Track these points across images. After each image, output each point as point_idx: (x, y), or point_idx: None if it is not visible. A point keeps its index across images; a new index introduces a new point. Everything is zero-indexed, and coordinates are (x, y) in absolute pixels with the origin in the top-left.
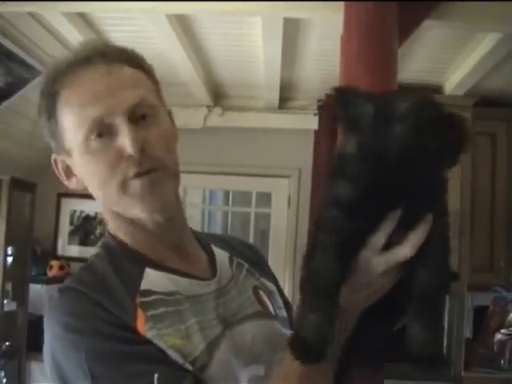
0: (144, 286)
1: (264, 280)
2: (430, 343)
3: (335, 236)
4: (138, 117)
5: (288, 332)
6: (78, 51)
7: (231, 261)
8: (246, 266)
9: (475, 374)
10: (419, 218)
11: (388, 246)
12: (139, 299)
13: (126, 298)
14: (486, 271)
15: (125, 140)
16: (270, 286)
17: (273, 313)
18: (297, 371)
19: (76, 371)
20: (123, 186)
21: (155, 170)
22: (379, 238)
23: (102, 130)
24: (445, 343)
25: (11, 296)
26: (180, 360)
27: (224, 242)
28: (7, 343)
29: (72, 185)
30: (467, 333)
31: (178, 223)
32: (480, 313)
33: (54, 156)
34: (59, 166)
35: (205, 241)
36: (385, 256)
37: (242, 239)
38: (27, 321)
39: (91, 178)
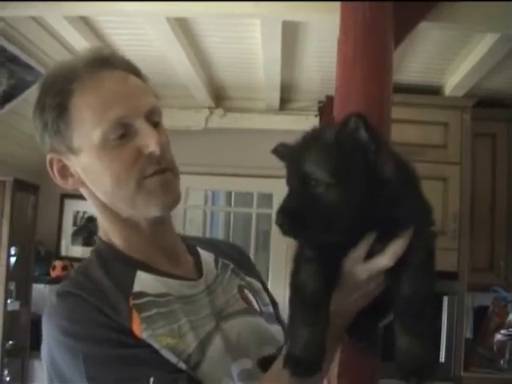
0: (136, 288)
1: (250, 279)
2: (415, 354)
3: (318, 250)
4: (152, 122)
5: (274, 327)
6: (88, 55)
7: (216, 261)
8: (232, 266)
9: (475, 374)
10: (399, 229)
11: (371, 254)
12: (133, 301)
13: (121, 301)
14: (486, 271)
15: (149, 140)
16: (256, 284)
17: (258, 310)
18: (286, 376)
19: (73, 373)
20: (140, 184)
21: (168, 171)
22: (359, 251)
23: (122, 131)
24: (444, 343)
25: (15, 296)
26: (174, 360)
27: (209, 244)
28: (11, 342)
29: (67, 185)
30: (467, 333)
31: (168, 226)
32: (480, 313)
33: (50, 156)
34: (54, 166)
35: (191, 243)
36: (367, 265)
37: (229, 241)
38: (30, 320)
39: (104, 176)
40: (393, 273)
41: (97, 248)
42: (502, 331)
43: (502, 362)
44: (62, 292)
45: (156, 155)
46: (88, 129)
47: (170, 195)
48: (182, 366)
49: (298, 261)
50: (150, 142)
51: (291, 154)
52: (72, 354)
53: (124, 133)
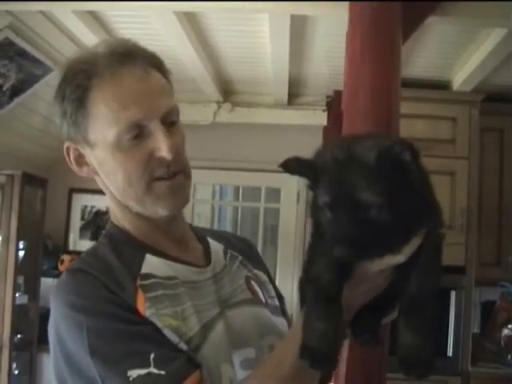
0: (144, 270)
1: (256, 271)
2: (416, 349)
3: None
4: (168, 122)
5: (278, 319)
6: (111, 46)
7: (225, 252)
8: (240, 258)
9: (482, 368)
10: (413, 228)
11: None
12: (139, 282)
13: (128, 281)
14: (493, 266)
15: (161, 144)
16: (263, 277)
17: (263, 301)
18: (290, 359)
19: (78, 347)
20: (149, 186)
21: (179, 174)
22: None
23: (137, 132)
24: (452, 338)
25: (23, 289)
26: (176, 339)
27: (219, 235)
28: (19, 336)
29: (82, 173)
30: (474, 328)
31: (178, 217)
32: (487, 308)
33: (66, 144)
34: (71, 154)
35: (201, 233)
36: (379, 260)
37: (237, 234)
38: (38, 314)
39: (116, 173)
40: (400, 268)
41: (108, 231)
42: (510, 326)
43: (509, 356)
44: (71, 269)
45: (167, 160)
46: (104, 126)
47: (178, 198)
48: (183, 346)
49: (313, 253)
50: (161, 147)
51: (318, 174)
52: (77, 328)
53: (138, 133)
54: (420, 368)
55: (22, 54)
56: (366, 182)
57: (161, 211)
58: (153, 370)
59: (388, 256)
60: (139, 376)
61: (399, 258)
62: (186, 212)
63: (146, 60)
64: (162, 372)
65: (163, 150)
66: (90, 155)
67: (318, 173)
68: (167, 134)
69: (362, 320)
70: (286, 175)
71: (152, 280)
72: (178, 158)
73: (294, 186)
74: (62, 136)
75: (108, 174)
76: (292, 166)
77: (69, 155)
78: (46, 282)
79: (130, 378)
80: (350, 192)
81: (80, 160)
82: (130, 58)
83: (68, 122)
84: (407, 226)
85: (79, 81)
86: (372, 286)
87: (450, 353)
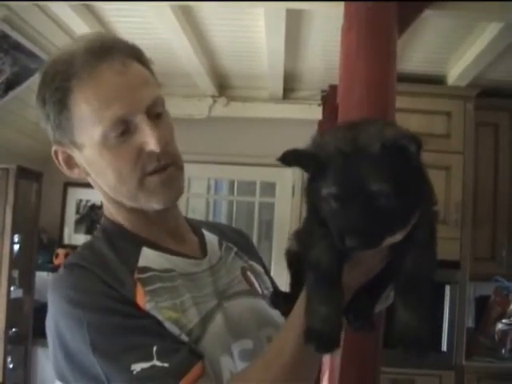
0: (141, 263)
1: (252, 263)
2: (414, 327)
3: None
4: (154, 115)
5: (274, 311)
6: (87, 43)
7: (220, 244)
8: (235, 249)
9: (476, 362)
10: (412, 210)
11: None
12: (137, 275)
13: (126, 275)
14: (488, 261)
15: (148, 138)
16: (258, 268)
17: (260, 292)
18: (290, 346)
19: (78, 343)
20: (141, 181)
21: (170, 166)
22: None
23: (123, 128)
24: (446, 332)
25: (18, 283)
26: (177, 332)
27: (214, 227)
28: (14, 329)
29: (74, 175)
30: (469, 322)
31: (173, 210)
32: (482, 302)
33: (54, 147)
34: (60, 157)
35: (196, 225)
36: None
37: (232, 226)
38: (33, 308)
39: (106, 171)
40: (396, 248)
41: (103, 226)
42: (504, 320)
43: (503, 351)
44: (69, 264)
45: (156, 153)
46: (89, 127)
47: (172, 191)
48: (185, 338)
49: (310, 237)
50: (149, 140)
51: (321, 165)
52: (77, 323)
53: (125, 129)
54: (418, 346)
55: (17, 47)
56: (374, 173)
57: (155, 205)
58: (156, 362)
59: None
60: (143, 369)
61: (396, 238)
62: (181, 206)
63: (124, 52)
64: (166, 364)
65: (151, 143)
66: (79, 156)
67: (320, 164)
68: (154, 126)
69: (356, 306)
70: (281, 169)
71: (150, 273)
72: (167, 149)
73: (288, 181)
74: (50, 139)
75: (98, 174)
76: (290, 158)
77: (58, 158)
78: (41, 276)
79: (134, 372)
80: (359, 183)
81: (69, 162)
82: (107, 53)
83: (52, 126)
84: (408, 209)
85: (58, 83)
86: (368, 267)
87: (444, 347)
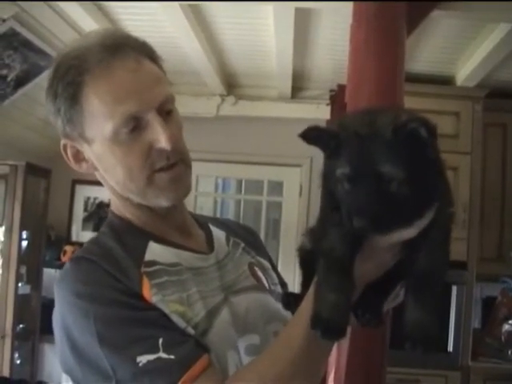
0: (148, 257)
1: (260, 258)
2: (424, 325)
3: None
4: (164, 112)
5: (281, 306)
6: (100, 39)
7: (228, 239)
8: (242, 244)
9: (482, 363)
10: (427, 203)
11: None
12: (144, 269)
13: (132, 268)
14: (495, 261)
15: (159, 135)
16: (266, 264)
17: (267, 287)
18: (298, 340)
19: (85, 335)
20: (150, 178)
21: (179, 164)
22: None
23: (134, 124)
24: (452, 333)
25: (25, 279)
26: (183, 324)
27: (221, 223)
28: (21, 325)
29: (81, 169)
30: (475, 323)
31: (180, 205)
32: (488, 303)
33: (63, 141)
34: (68, 152)
35: (203, 220)
36: (391, 233)
37: (239, 222)
38: (41, 304)
39: (116, 167)
40: (409, 246)
41: (109, 221)
42: (510, 321)
43: (509, 352)
44: (75, 258)
45: (166, 151)
46: (100, 122)
47: (180, 189)
48: (191, 331)
49: (324, 225)
50: (160, 138)
51: (339, 145)
52: (84, 316)
53: (135, 125)
54: (426, 344)
55: (27, 44)
56: (385, 156)
57: (163, 202)
58: (162, 354)
59: (400, 230)
60: (149, 361)
61: (411, 232)
62: (189, 204)
63: (137, 50)
64: (172, 356)
65: (162, 140)
66: (88, 151)
67: (339, 144)
68: (165, 124)
69: (366, 301)
70: (289, 168)
71: (156, 267)
72: (177, 147)
73: (296, 180)
74: (58, 133)
75: (107, 169)
76: (312, 134)
77: (66, 153)
78: (49, 273)
79: (140, 364)
80: (371, 164)
81: (78, 157)
82: (120, 49)
83: (63, 120)
84: (422, 201)
85: (71, 77)
86: (380, 262)
87: (450, 348)
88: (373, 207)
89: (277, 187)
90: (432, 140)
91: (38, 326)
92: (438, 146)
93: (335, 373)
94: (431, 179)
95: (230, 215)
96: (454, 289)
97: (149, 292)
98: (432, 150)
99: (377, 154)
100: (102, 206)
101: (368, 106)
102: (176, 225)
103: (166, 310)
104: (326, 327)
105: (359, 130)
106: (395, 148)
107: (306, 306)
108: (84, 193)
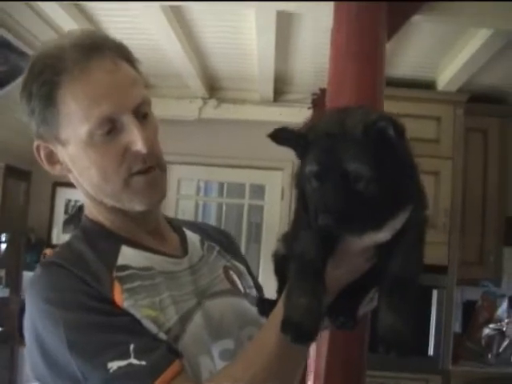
0: (120, 261)
1: (235, 262)
2: (397, 329)
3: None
4: (140, 115)
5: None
6: (77, 39)
7: (202, 243)
8: (217, 248)
9: (463, 367)
10: (398, 206)
11: None
12: (116, 274)
13: (104, 273)
14: (475, 265)
15: (135, 138)
16: (241, 267)
17: (242, 291)
18: (271, 344)
19: (55, 342)
20: (126, 181)
21: (155, 168)
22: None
23: (109, 127)
24: (433, 337)
25: (4, 282)
26: (155, 330)
27: (196, 226)
28: (0, 329)
29: (55, 171)
30: (456, 327)
31: (156, 210)
32: (469, 307)
33: (37, 142)
34: (42, 153)
35: (177, 224)
36: (364, 237)
37: (215, 226)
38: (20, 307)
39: (90, 169)
40: (383, 250)
41: (83, 225)
42: (491, 325)
43: (489, 356)
44: (46, 263)
45: (142, 153)
46: (75, 123)
47: (155, 193)
48: (163, 336)
49: (297, 227)
50: (136, 140)
51: (308, 145)
52: (53, 322)
53: (111, 128)
54: (399, 348)
55: (8, 46)
56: (354, 154)
57: (137, 207)
58: (133, 360)
59: (372, 232)
60: (119, 367)
61: (383, 236)
62: (170, 208)
63: (114, 51)
64: (143, 362)
65: (138, 143)
66: (62, 153)
67: (308, 144)
68: (141, 127)
69: (339, 304)
70: (271, 172)
71: (128, 271)
72: (152, 151)
73: (278, 183)
74: (31, 134)
75: (82, 171)
76: (281, 135)
77: (39, 154)
78: (28, 276)
79: (111, 370)
80: (338, 162)
81: (51, 158)
82: (97, 50)
83: (37, 121)
84: (393, 202)
85: (46, 77)
86: (354, 267)
87: (431, 352)
88: (338, 205)
89: (259, 191)
90: (400, 140)
91: (16, 330)
92: (409, 148)
93: (314, 375)
94: (402, 180)
95: (212, 218)
96: (435, 293)
97: (120, 297)
98: (402, 150)
99: (345, 152)
100: (83, 209)
101: (340, 106)
102: (150, 229)
103: (138, 315)
104: (297, 332)
105: (328, 129)
106: (364, 146)
107: (279, 311)
108: (65, 195)
